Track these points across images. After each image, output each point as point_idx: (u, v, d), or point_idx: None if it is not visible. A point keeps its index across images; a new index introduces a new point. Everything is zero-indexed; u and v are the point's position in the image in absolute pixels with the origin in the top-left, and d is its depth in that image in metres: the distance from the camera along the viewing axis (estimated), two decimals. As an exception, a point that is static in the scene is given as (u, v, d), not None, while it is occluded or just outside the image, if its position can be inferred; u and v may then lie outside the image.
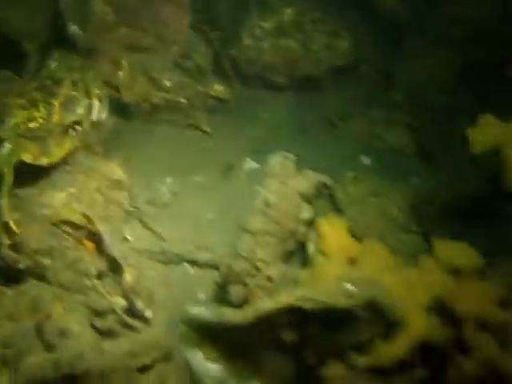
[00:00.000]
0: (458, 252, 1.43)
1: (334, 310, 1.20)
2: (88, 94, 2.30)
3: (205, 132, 2.84)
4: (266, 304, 1.18)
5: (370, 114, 2.77)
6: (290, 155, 1.73)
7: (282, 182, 1.68)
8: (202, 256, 2.26)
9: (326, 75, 2.94)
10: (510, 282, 1.40)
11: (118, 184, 2.31)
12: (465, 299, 1.36)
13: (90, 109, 2.29)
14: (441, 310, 1.38)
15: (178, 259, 2.30)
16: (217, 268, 2.21)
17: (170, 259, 2.30)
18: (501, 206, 1.61)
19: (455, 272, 1.41)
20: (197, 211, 2.55)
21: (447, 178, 2.12)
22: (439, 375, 1.37)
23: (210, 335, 1.23)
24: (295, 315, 1.20)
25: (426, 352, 1.36)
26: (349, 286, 1.24)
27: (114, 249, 2.07)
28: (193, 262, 2.27)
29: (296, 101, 2.95)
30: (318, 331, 1.23)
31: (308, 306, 1.17)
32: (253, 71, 2.92)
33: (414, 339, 1.30)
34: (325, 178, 1.70)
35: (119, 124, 2.73)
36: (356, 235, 1.81)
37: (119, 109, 2.72)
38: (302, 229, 1.68)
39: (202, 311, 1.19)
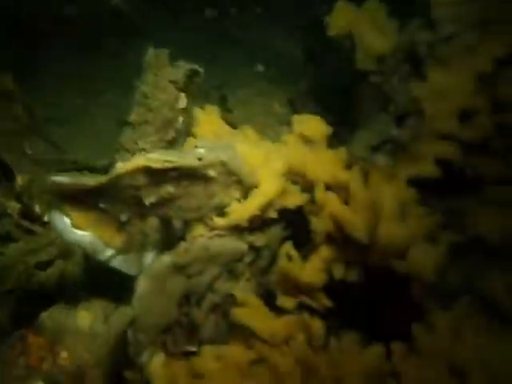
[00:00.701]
0: (311, 124, 1.57)
1: (185, 170, 1.32)
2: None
3: (106, 51, 2.82)
4: (120, 166, 1.27)
5: (267, 27, 2.85)
6: (164, 49, 1.79)
7: (156, 74, 1.74)
8: (101, 162, 2.33)
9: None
10: (354, 138, 1.56)
11: (9, 96, 2.29)
12: (315, 165, 1.52)
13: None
14: (295, 176, 1.53)
15: (78, 167, 2.35)
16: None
17: (69, 168, 2.35)
18: (356, 86, 1.75)
19: (308, 142, 1.56)
20: (100, 125, 2.59)
21: (327, 74, 2.27)
22: (296, 234, 1.54)
23: (74, 202, 1.32)
24: (150, 177, 1.31)
25: (284, 214, 1.52)
26: (201, 150, 1.35)
27: (5, 155, 2.10)
28: (92, 169, 2.34)
29: (197, 19, 2.98)
30: (174, 193, 1.35)
31: (157, 165, 1.27)
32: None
33: (268, 199, 1.44)
34: (195, 66, 1.78)
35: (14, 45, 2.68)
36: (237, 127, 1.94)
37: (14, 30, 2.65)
38: (180, 118, 1.77)
39: (60, 178, 1.26)
